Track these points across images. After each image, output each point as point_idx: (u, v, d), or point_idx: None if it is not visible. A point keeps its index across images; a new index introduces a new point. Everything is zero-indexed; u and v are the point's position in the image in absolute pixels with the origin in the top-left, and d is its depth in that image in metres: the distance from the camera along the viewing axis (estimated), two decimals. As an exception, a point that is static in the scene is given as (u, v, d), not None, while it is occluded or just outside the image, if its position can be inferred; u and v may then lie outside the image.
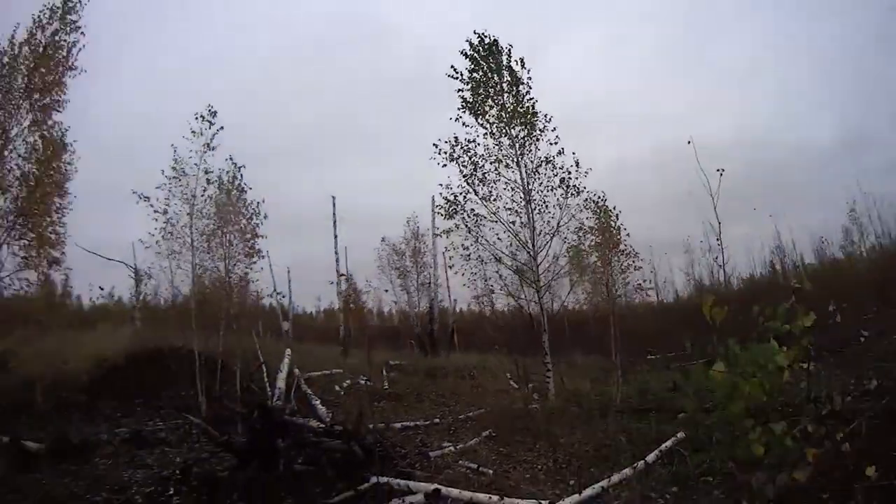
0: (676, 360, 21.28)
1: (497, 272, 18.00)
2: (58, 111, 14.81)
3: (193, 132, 16.28)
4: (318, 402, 14.96)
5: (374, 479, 8.69)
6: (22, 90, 14.32)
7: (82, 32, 15.06)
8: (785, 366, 3.72)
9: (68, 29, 14.89)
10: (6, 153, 14.21)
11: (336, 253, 30.25)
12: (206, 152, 16.44)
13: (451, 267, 18.46)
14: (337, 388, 17.90)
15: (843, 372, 12.78)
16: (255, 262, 16.99)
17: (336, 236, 29.91)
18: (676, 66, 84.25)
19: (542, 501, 8.00)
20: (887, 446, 6.15)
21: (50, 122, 14.72)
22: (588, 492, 8.32)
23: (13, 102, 14.24)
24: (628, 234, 18.51)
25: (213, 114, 16.51)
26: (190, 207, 16.35)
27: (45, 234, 14.89)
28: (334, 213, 30.05)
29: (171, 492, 9.94)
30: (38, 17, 14.67)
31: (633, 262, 18.79)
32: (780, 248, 37.77)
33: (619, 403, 14.91)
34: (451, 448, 11.25)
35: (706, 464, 8.82)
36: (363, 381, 18.81)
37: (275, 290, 22.51)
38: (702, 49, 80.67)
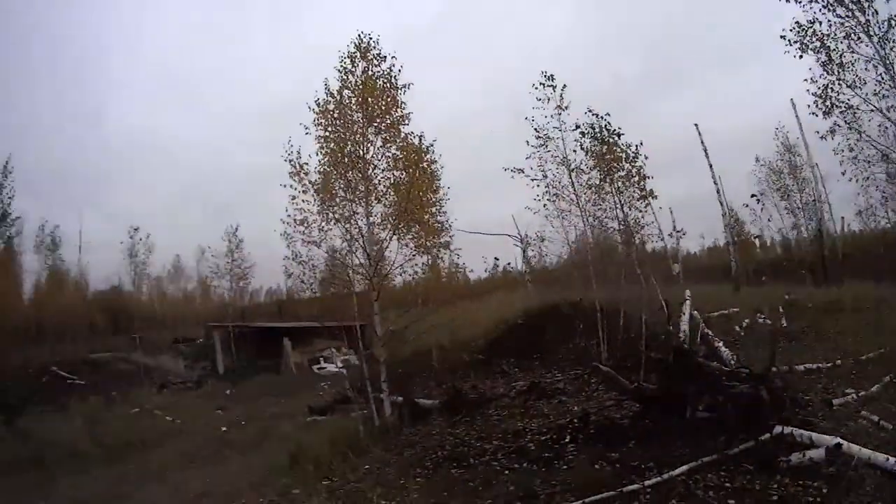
0: None
1: (885, 173, 16.81)
2: (405, 124, 16.02)
3: (539, 100, 17.21)
4: (720, 344, 14.58)
5: (777, 429, 8.16)
6: (361, 122, 15.72)
7: (393, 57, 15.91)
8: None
9: (375, 62, 15.90)
10: (369, 171, 15.77)
11: (715, 182, 29.45)
12: (559, 114, 17.35)
13: (843, 173, 16.80)
14: (736, 327, 17.66)
15: None
16: (648, 205, 17.07)
17: (710, 165, 29.11)
18: None
19: None
20: None
21: (401, 136, 15.97)
22: None
23: (358, 132, 15.68)
24: None
25: (551, 78, 17.29)
26: (566, 167, 17.28)
27: (427, 225, 16.29)
28: (702, 141, 29.25)
29: (567, 439, 10.41)
30: (342, 66, 15.87)
31: None
32: None
33: None
34: (853, 395, 10.44)
35: None
36: (761, 320, 18.25)
37: (674, 229, 22.54)
38: None
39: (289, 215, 15.27)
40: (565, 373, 16.50)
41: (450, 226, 17.16)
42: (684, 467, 8.02)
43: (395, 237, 15.85)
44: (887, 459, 7.07)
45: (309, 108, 15.66)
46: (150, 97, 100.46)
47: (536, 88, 17.56)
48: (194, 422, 23.45)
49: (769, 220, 32.51)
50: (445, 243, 17.20)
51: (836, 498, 6.80)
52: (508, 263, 32.38)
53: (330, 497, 11.08)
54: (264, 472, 14.67)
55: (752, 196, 30.19)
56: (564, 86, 17.37)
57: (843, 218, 31.36)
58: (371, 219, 15.77)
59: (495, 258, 28.60)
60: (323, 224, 15.51)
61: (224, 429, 21.91)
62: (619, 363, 15.14)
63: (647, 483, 7.88)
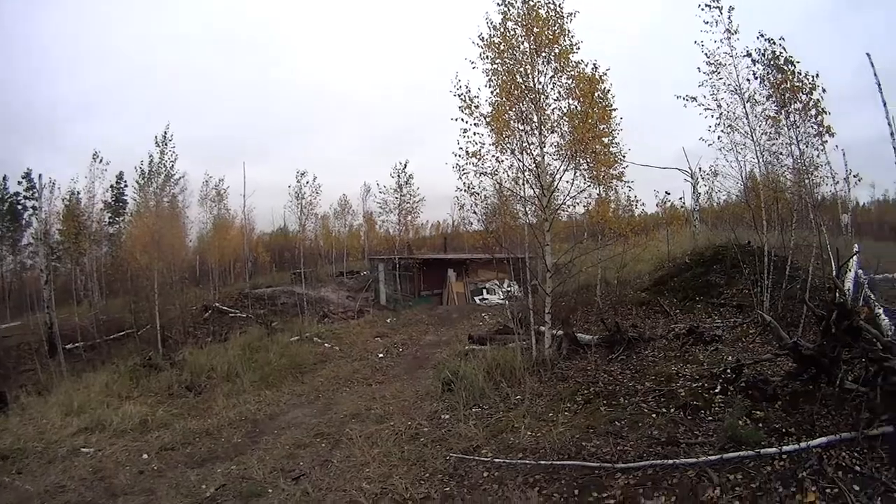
0: None
1: None
2: (574, 53, 15.63)
3: (707, 23, 16.44)
4: (881, 310, 13.53)
5: None
6: (528, 52, 15.56)
7: None
8: None
9: None
10: (541, 101, 15.62)
11: (889, 124, 27.24)
12: (730, 38, 16.52)
13: None
14: None
15: None
16: (825, 142, 15.98)
17: (885, 102, 26.82)
18: None
19: None
20: None
21: (572, 65, 15.63)
22: None
23: (527, 62, 15.55)
24: None
25: None
26: (740, 96, 16.59)
27: (600, 156, 16.14)
28: (875, 74, 27.00)
29: (717, 389, 10.35)
30: None
31: None
32: None
33: None
34: None
35: None
36: None
37: (848, 173, 21.21)
38: None
39: (461, 148, 15.47)
40: (725, 319, 16.22)
41: (623, 157, 16.99)
42: (822, 439, 7.88)
43: (568, 168, 15.79)
44: None
45: (472, 42, 15.74)
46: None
47: (703, 10, 16.82)
48: (352, 349, 24.75)
49: None
50: (619, 174, 16.99)
51: None
52: (680, 197, 31.58)
53: (478, 423, 11.72)
54: (416, 396, 15.65)
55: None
56: (732, 7, 16.47)
57: None
58: (545, 149, 15.74)
59: (666, 192, 27.99)
60: (497, 155, 15.70)
61: (381, 355, 23.01)
62: (780, 315, 14.81)
63: (784, 449, 7.88)
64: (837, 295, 10.10)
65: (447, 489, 9.30)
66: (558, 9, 15.62)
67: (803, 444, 7.85)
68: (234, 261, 49.96)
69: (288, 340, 26.18)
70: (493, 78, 15.82)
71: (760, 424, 8.80)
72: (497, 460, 9.79)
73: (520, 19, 15.67)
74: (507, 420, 11.54)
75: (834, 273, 12.33)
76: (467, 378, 14.33)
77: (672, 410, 10.07)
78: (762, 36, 16.25)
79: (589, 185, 16.54)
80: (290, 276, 46.60)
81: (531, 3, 15.61)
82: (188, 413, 17.35)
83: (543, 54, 15.66)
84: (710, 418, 9.53)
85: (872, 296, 14.83)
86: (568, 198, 16.13)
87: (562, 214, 17.32)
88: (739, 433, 8.51)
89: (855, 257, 16.40)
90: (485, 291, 35.26)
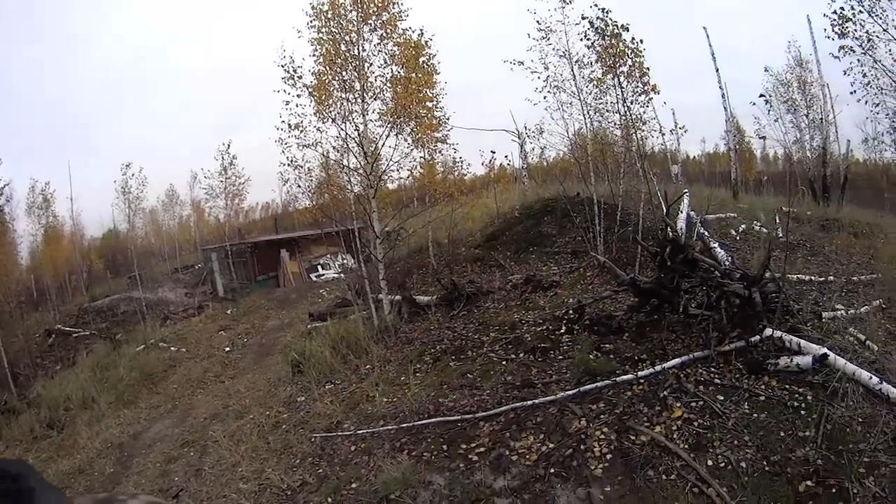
0: None
1: None
2: (402, 20, 15.58)
3: None
4: (715, 245, 14.82)
5: (768, 332, 8.50)
6: (357, 20, 15.32)
7: None
8: None
9: None
10: (365, 69, 15.50)
11: (720, 87, 29.16)
12: (563, 7, 16.86)
13: (852, 93, 16.77)
14: (732, 232, 17.74)
15: None
16: (650, 99, 16.75)
17: (717, 70, 28.60)
18: None
19: None
20: None
21: (399, 32, 15.60)
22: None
23: (353, 31, 15.31)
24: None
25: None
26: (568, 60, 17.05)
27: (424, 120, 16.16)
28: (710, 45, 28.76)
29: (563, 330, 10.79)
30: None
31: None
32: None
33: None
34: (843, 312, 10.53)
35: None
36: (758, 227, 18.35)
37: (675, 125, 22.22)
38: None
39: (283, 121, 15.14)
40: (561, 266, 16.73)
41: (447, 120, 17.05)
42: (676, 360, 8.52)
43: (392, 133, 15.79)
44: (871, 378, 7.38)
45: (303, 11, 15.42)
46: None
47: None
48: (199, 347, 23.92)
49: (776, 121, 30.36)
50: (443, 137, 17.17)
51: (819, 405, 7.17)
52: (506, 156, 32.30)
53: (334, 400, 11.58)
54: (269, 384, 15.27)
55: (761, 96, 29.27)
56: None
57: (848, 141, 30.75)
58: (367, 117, 15.65)
59: (492, 151, 28.41)
60: (319, 125, 15.44)
61: (228, 349, 22.39)
62: (615, 257, 15.60)
63: (640, 374, 8.39)
64: (669, 232, 10.90)
65: (320, 471, 9.19)
66: None
67: (658, 367, 8.43)
68: (69, 273, 46.32)
69: (134, 351, 24.74)
70: (318, 47, 15.45)
71: (611, 356, 9.32)
72: (360, 432, 9.75)
73: None
74: (361, 391, 11.50)
75: (664, 213, 12.88)
76: (315, 357, 14.08)
77: (521, 355, 10.41)
78: (596, 6, 16.68)
79: (412, 150, 16.55)
80: (125, 282, 44.18)
81: None
82: (56, 454, 16.01)
83: (370, 22, 15.46)
84: (561, 357, 9.96)
85: (706, 232, 15.93)
86: (392, 163, 16.12)
87: (389, 181, 17.32)
88: (592, 366, 8.92)
89: (686, 200, 17.66)
90: (320, 267, 34.67)
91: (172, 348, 24.43)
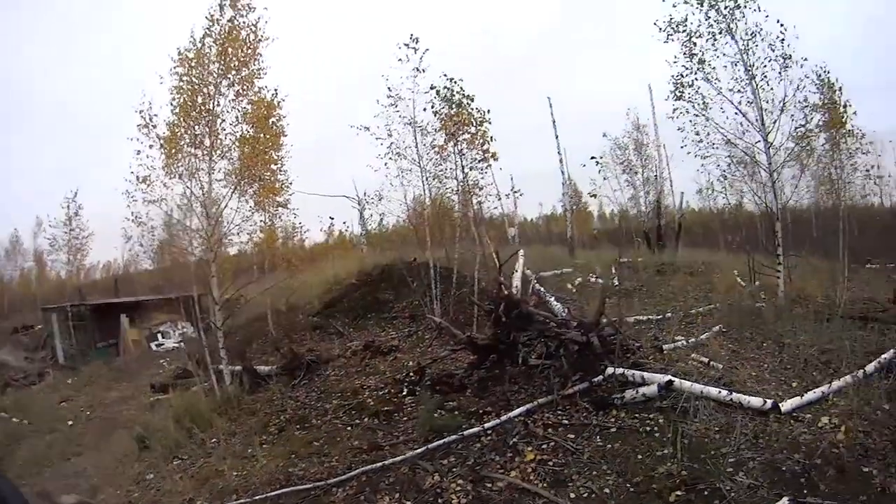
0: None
1: (728, 156, 17.19)
2: (259, 78, 15.42)
3: (400, 59, 16.70)
4: (552, 298, 15.33)
5: (609, 370, 9.04)
6: (216, 74, 15.04)
7: (265, 7, 15.40)
8: None
9: (244, 11, 15.23)
10: (217, 125, 15.10)
11: (559, 153, 30.33)
12: (416, 76, 16.83)
13: (682, 147, 17.31)
14: (569, 285, 18.28)
15: None
16: (489, 167, 17.09)
17: (557, 136, 29.92)
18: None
19: (768, 400, 8.26)
20: None
21: (255, 90, 15.41)
22: (809, 395, 8.50)
23: (212, 84, 15.00)
24: (855, 113, 17.34)
25: (416, 40, 16.74)
26: (412, 127, 17.08)
27: (268, 183, 15.89)
28: (552, 112, 29.97)
29: (404, 392, 10.84)
30: (209, 13, 15.07)
31: (861, 144, 17.83)
32: None
33: (843, 308, 14.17)
34: (683, 342, 11.48)
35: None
36: (594, 279, 19.00)
37: (512, 189, 22.64)
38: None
39: (132, 172, 14.46)
40: (399, 330, 16.71)
41: (290, 184, 16.73)
42: (522, 409, 8.70)
43: (235, 194, 15.31)
44: (720, 392, 8.41)
45: (169, 56, 14.95)
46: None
47: (400, 48, 17.25)
48: (41, 419, 22.37)
49: (605, 179, 31.70)
50: (285, 202, 16.82)
51: (672, 425, 7.69)
52: (344, 222, 32.18)
53: (183, 476, 10.96)
54: (116, 461, 14.28)
55: (592, 158, 30.81)
56: (427, 49, 16.98)
57: (682, 193, 32.80)
58: (213, 175, 15.12)
59: (331, 218, 28.16)
60: (166, 180, 14.79)
61: (70, 422, 21.04)
62: (453, 319, 15.71)
63: (486, 426, 8.45)
64: (503, 289, 11.35)
65: (178, 552, 8.62)
66: (258, 33, 15.30)
67: (504, 417, 8.55)
68: None
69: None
70: (177, 96, 14.95)
71: (456, 412, 9.37)
72: (214, 508, 9.33)
73: (219, 37, 15.08)
74: (210, 465, 10.79)
75: (498, 273, 13.15)
76: (159, 431, 13.27)
77: (366, 420, 10.34)
78: (445, 75, 17.01)
79: (253, 213, 16.03)
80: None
81: (236, 22, 15.11)
82: None
83: (230, 76, 15.17)
84: (406, 419, 9.95)
85: (542, 288, 16.57)
86: (234, 226, 15.65)
87: (230, 245, 16.85)
88: (437, 423, 8.94)
89: (521, 260, 17.90)
90: (160, 336, 33.25)
91: (14, 419, 22.72)
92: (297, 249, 19.57)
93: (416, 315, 17.15)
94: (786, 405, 8.19)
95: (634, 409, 8.33)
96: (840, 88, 17.22)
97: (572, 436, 7.91)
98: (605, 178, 30.82)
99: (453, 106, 16.98)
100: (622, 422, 8.06)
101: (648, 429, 7.79)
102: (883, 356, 9.75)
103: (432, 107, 16.99)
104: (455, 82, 16.99)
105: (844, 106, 17.24)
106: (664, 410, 8.15)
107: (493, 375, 10.25)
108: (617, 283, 17.97)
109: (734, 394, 8.37)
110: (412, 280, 17.59)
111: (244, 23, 15.20)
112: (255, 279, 19.97)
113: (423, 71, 16.84)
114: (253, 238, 16.95)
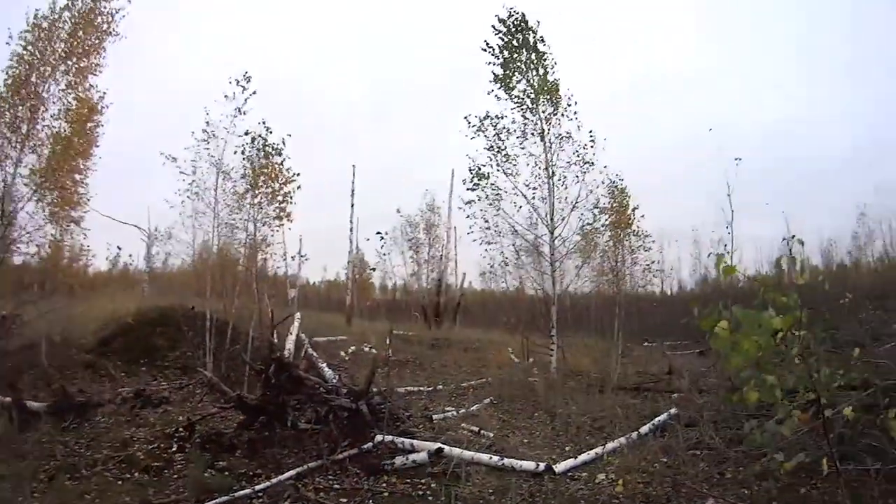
0: (673, 347, 23.00)
1: (513, 245, 18.38)
2: (94, 74, 14.70)
3: (226, 96, 16.07)
4: (324, 364, 15.46)
5: (378, 438, 9.25)
6: (59, 54, 14.19)
7: (129, 1, 14.79)
8: (779, 330, 4.03)
9: None
10: (40, 113, 14.08)
11: (350, 222, 30.46)
12: (236, 116, 16.21)
13: (469, 233, 18.57)
14: (342, 353, 18.44)
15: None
16: (282, 225, 16.95)
17: (353, 205, 30.06)
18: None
19: (541, 463, 8.60)
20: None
21: (86, 85, 14.61)
22: (583, 456, 8.93)
23: (51, 64, 14.10)
24: (643, 216, 18.77)
25: (248, 79, 16.22)
26: (217, 169, 16.39)
27: (68, 193, 14.98)
28: (353, 181, 30.15)
29: (174, 448, 10.35)
30: None
31: (644, 243, 19.02)
32: (787, 247, 36.94)
33: (617, 381, 15.40)
34: (454, 413, 11.87)
35: (696, 438, 9.39)
36: (367, 349, 19.21)
37: (299, 252, 22.35)
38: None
39: None
40: (171, 381, 16.03)
41: (88, 200, 15.73)
42: (292, 472, 8.57)
43: (34, 198, 14.22)
44: (490, 458, 8.81)
45: (25, 17, 13.89)
46: None
47: (230, 83, 16.58)
48: None
49: (386, 255, 32.64)
50: (79, 218, 15.73)
51: (445, 489, 7.89)
52: (130, 255, 30.28)
53: None
54: None
55: (377, 233, 31.36)
56: (254, 92, 16.32)
57: (464, 273, 34.84)
58: (19, 169, 13.97)
59: (118, 247, 26.52)
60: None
61: None
62: (225, 375, 15.20)
63: (257, 487, 8.24)
64: (275, 350, 11.51)
65: None
66: (111, 25, 14.70)
67: (275, 480, 8.37)
68: None
69: None
70: (14, 66, 13.85)
71: (227, 473, 9.05)
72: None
73: (77, 15, 14.28)
74: (-22, 517, 9.92)
75: (271, 333, 13.24)
76: None
77: (136, 475, 9.64)
78: (263, 123, 16.62)
79: (47, 223, 14.96)
80: None
81: (98, 5, 14.47)
82: None
83: (70, 62, 14.21)
84: (176, 476, 9.43)
85: (314, 353, 16.72)
86: (24, 233, 14.53)
87: (16, 254, 15.73)
88: (207, 483, 8.63)
89: (297, 322, 17.99)
90: None
91: None
92: (81, 274, 18.01)
93: (188, 367, 16.40)
94: (560, 466, 8.55)
95: (406, 475, 8.46)
96: (628, 195, 18.57)
97: (344, 500, 7.86)
98: (386, 254, 32.05)
99: (265, 156, 16.67)
100: (394, 487, 8.16)
101: (421, 493, 7.96)
102: (657, 418, 10.70)
103: (243, 152, 16.45)
104: (270, 131, 16.64)
105: (634, 209, 18.52)
106: (436, 475, 8.35)
107: (263, 437, 10.08)
108: (391, 354, 17.84)
109: (506, 459, 8.75)
110: (188, 330, 16.88)
111: (104, 8, 14.52)
112: (35, 299, 18.30)
113: (245, 113, 16.25)
114: (41, 251, 15.85)
